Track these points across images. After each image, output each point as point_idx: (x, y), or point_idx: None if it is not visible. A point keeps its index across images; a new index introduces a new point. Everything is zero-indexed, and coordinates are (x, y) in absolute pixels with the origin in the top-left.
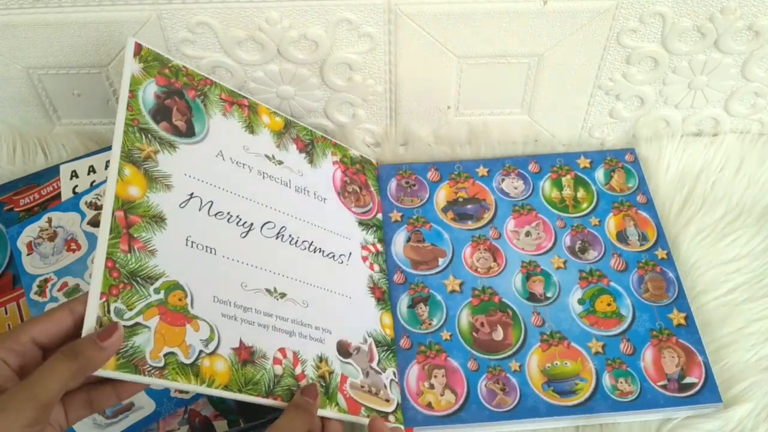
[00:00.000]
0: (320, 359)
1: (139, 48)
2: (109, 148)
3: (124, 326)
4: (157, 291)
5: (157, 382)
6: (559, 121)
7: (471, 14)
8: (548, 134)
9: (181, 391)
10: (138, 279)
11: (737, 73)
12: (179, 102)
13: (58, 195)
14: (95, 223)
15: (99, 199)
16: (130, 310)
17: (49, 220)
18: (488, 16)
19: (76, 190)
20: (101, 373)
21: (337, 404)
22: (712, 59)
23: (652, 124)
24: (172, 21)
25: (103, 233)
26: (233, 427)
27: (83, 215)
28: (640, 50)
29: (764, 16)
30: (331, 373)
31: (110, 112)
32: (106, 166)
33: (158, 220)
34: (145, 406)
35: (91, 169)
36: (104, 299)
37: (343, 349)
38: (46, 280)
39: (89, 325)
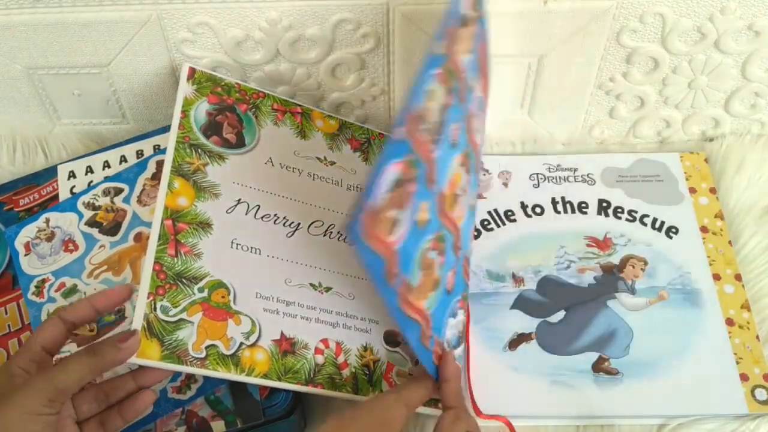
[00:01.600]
0: (365, 348)
1: (192, 72)
2: (108, 148)
3: (168, 322)
4: (201, 290)
5: (198, 371)
6: (559, 121)
7: None
8: (547, 134)
9: (178, 392)
10: (183, 280)
11: (737, 73)
12: (230, 116)
13: (58, 195)
14: (92, 223)
15: (97, 200)
16: (175, 307)
17: (47, 221)
18: (488, 16)
19: (74, 190)
20: (146, 362)
21: (382, 391)
22: (712, 59)
23: (652, 124)
24: (172, 21)
25: (152, 240)
26: (231, 428)
27: (81, 215)
28: (640, 50)
29: (764, 16)
30: (376, 361)
31: (110, 112)
32: (104, 167)
33: (205, 225)
34: None
35: (89, 170)
36: (151, 299)
37: (391, 339)
38: (43, 281)
39: (137, 321)
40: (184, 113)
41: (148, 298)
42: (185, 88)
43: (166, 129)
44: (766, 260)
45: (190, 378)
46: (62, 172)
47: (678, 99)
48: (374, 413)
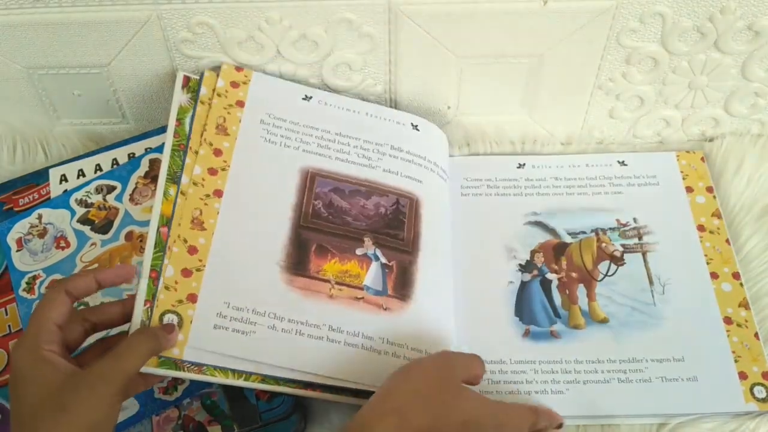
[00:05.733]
0: None
1: (187, 80)
2: (103, 149)
3: None
4: None
5: (196, 377)
6: (559, 121)
7: (471, 14)
8: (548, 134)
9: (165, 393)
10: None
11: (737, 73)
12: None
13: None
14: (84, 221)
15: (89, 197)
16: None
17: (39, 217)
18: (488, 16)
19: None
20: (143, 369)
21: None
22: (712, 59)
23: (652, 124)
24: (172, 21)
25: (149, 248)
26: None
27: (73, 212)
28: (640, 50)
29: (764, 16)
30: None
31: (110, 112)
32: (96, 170)
33: None
34: (129, 406)
35: (81, 173)
36: (148, 306)
37: None
38: (34, 277)
39: (134, 328)
40: (179, 121)
41: (144, 305)
42: (180, 97)
43: (164, 129)
44: (766, 260)
45: (177, 379)
46: (54, 175)
47: (678, 99)
48: (443, 364)
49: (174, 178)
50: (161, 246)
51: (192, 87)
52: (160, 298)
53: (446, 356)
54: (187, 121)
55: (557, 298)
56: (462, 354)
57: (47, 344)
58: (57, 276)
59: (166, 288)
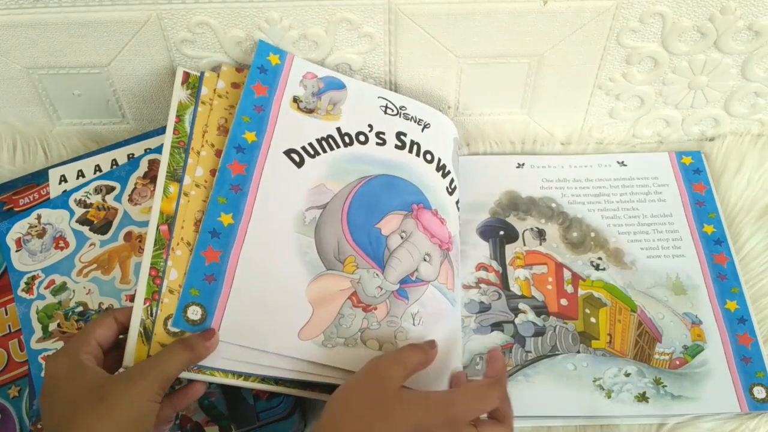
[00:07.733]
0: None
1: (186, 76)
2: (103, 150)
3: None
4: None
5: (196, 377)
6: (559, 121)
7: (471, 14)
8: (548, 134)
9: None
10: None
11: (737, 73)
12: None
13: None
14: (83, 221)
15: (88, 197)
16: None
17: (38, 217)
18: (488, 16)
19: None
20: None
21: None
22: (712, 59)
23: (652, 124)
24: (172, 21)
25: (148, 246)
26: None
27: (72, 213)
28: (640, 50)
29: (764, 16)
30: None
31: (110, 112)
32: (95, 170)
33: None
34: None
35: (80, 173)
36: (148, 304)
37: None
38: (33, 278)
39: (134, 326)
40: (179, 118)
41: (144, 303)
42: (180, 93)
43: (164, 130)
44: (766, 260)
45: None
46: (53, 175)
47: (678, 99)
48: (374, 376)
49: (174, 176)
50: (161, 244)
51: (192, 83)
52: (164, 302)
53: (373, 366)
54: (187, 117)
55: None
56: (389, 355)
57: (86, 354)
58: (56, 276)
59: (170, 292)
